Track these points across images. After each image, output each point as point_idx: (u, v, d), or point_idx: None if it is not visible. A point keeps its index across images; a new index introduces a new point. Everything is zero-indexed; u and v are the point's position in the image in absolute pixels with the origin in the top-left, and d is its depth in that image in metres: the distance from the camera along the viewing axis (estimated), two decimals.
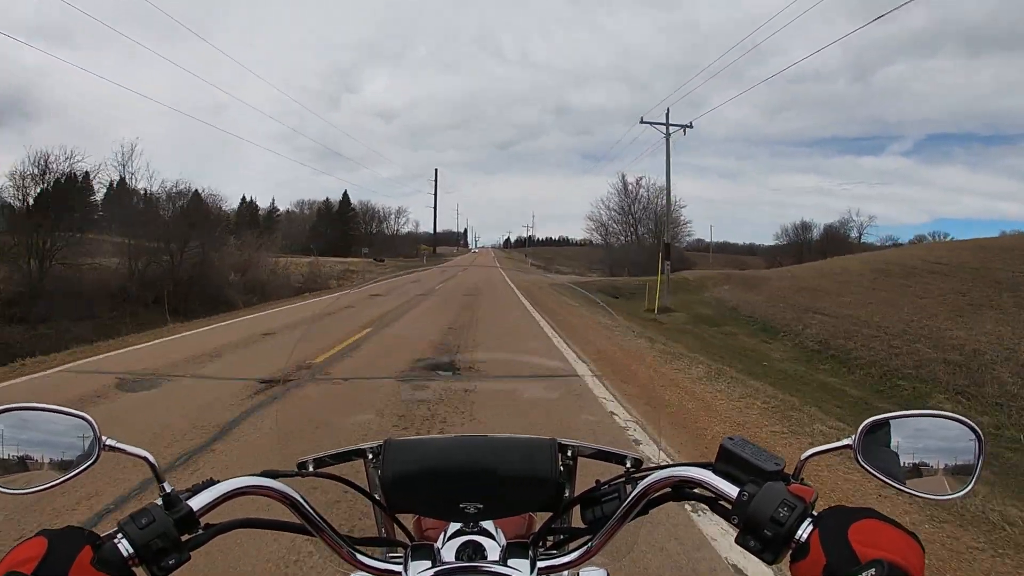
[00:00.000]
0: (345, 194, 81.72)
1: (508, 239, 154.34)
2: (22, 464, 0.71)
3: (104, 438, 0.71)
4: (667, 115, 23.26)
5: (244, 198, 74.21)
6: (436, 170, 73.05)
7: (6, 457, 0.70)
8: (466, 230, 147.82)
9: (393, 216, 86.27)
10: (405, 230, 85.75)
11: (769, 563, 0.65)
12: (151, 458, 0.71)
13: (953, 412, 0.71)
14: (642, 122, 24.30)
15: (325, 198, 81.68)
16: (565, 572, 0.89)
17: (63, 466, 0.71)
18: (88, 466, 0.71)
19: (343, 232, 73.16)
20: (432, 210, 77.56)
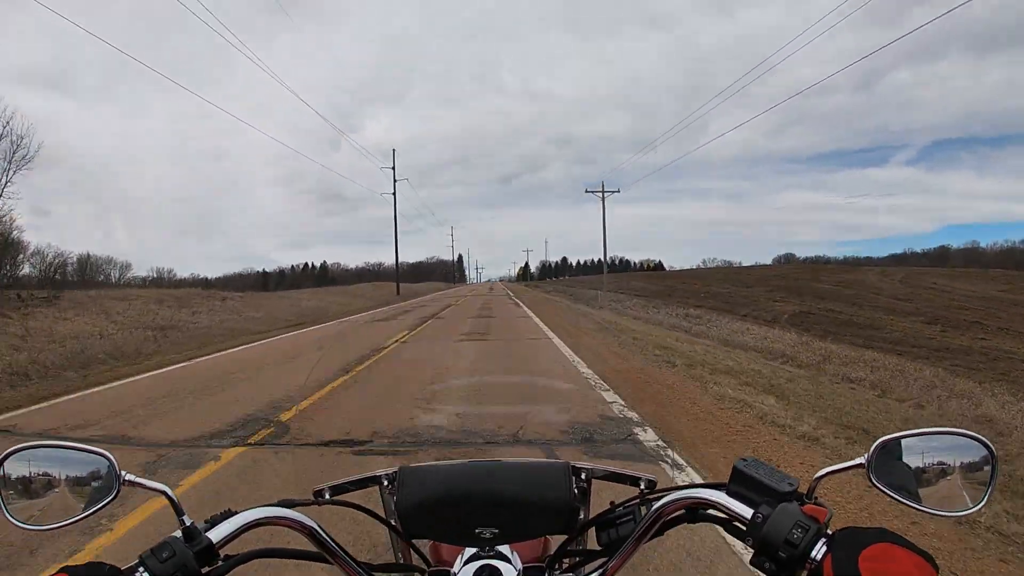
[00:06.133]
0: None
1: (527, 265, 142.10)
2: (41, 500, 0.72)
3: (123, 473, 0.72)
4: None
5: None
6: None
7: (25, 493, 0.71)
8: (460, 257, 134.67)
9: None
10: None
11: None
12: (170, 492, 0.72)
13: (963, 428, 0.71)
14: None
15: None
16: None
17: (82, 502, 0.72)
18: (108, 502, 0.72)
19: None
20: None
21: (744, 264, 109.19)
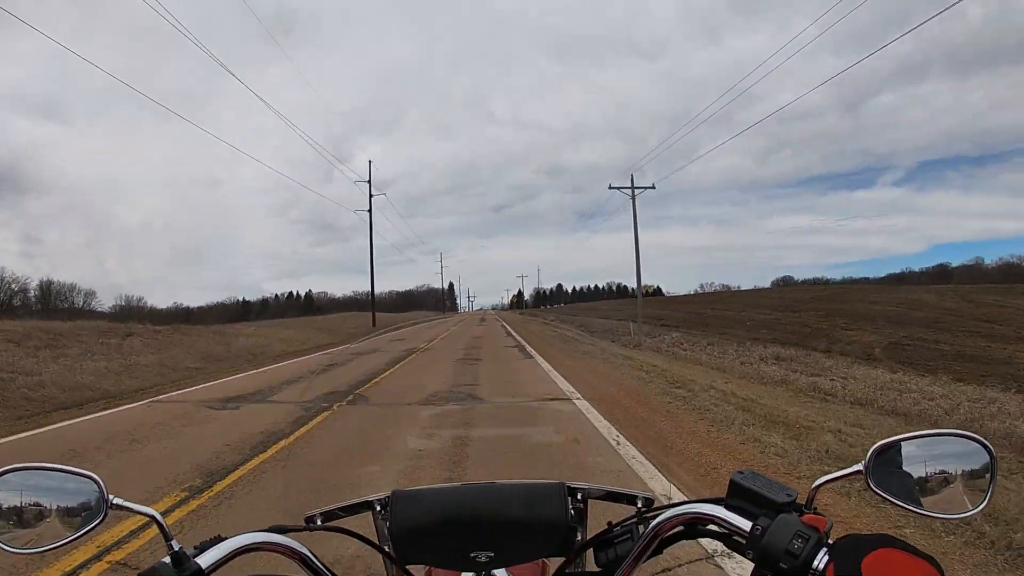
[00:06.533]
0: None
1: (520, 293, 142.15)
2: (29, 523, 0.69)
3: (111, 497, 0.70)
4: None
5: None
6: None
7: (12, 516, 0.69)
8: (451, 284, 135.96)
9: None
10: None
11: None
12: (158, 516, 0.70)
13: (960, 429, 0.69)
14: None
15: None
16: None
17: (69, 525, 0.70)
18: (95, 525, 0.70)
19: None
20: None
21: (743, 288, 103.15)
